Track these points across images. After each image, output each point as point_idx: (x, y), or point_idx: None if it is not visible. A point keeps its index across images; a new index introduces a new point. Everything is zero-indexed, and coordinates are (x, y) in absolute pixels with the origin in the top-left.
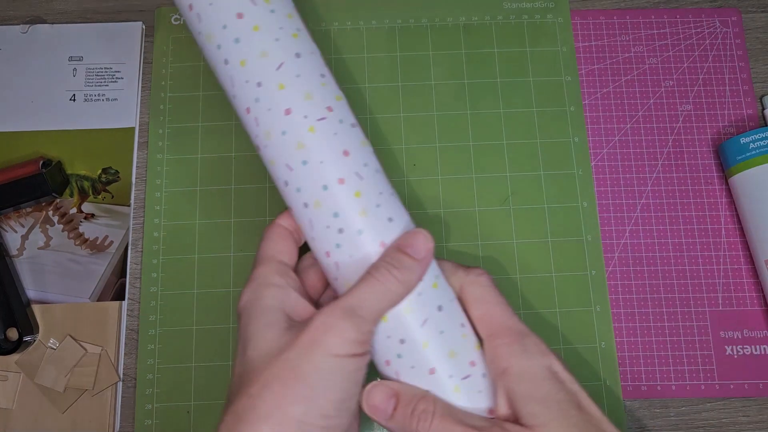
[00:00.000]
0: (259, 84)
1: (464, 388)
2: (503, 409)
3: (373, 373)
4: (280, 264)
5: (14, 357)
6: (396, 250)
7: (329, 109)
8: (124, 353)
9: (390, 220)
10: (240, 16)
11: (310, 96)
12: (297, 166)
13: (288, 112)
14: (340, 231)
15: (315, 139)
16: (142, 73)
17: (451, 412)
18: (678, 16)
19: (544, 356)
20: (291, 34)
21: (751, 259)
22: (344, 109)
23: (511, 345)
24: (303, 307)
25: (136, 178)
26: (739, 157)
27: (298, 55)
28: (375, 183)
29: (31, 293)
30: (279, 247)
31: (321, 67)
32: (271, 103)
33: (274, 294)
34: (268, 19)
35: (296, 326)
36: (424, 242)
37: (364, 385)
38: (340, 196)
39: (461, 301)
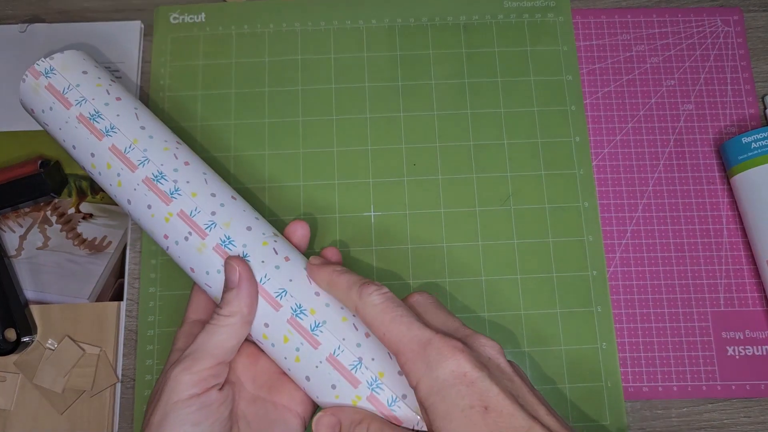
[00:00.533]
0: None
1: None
2: (429, 425)
3: None
4: (191, 324)
5: (12, 358)
6: (223, 291)
7: (165, 236)
8: (123, 354)
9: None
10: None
11: (152, 232)
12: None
13: (166, 237)
14: None
15: (174, 257)
16: (141, 73)
17: None
18: (679, 15)
19: (448, 360)
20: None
21: (752, 260)
22: (176, 225)
23: (414, 361)
24: None
25: None
26: (741, 157)
27: (129, 201)
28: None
29: (29, 294)
30: (194, 306)
31: (147, 205)
32: (155, 235)
33: (171, 358)
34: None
35: None
36: (231, 272)
37: (220, 419)
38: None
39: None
